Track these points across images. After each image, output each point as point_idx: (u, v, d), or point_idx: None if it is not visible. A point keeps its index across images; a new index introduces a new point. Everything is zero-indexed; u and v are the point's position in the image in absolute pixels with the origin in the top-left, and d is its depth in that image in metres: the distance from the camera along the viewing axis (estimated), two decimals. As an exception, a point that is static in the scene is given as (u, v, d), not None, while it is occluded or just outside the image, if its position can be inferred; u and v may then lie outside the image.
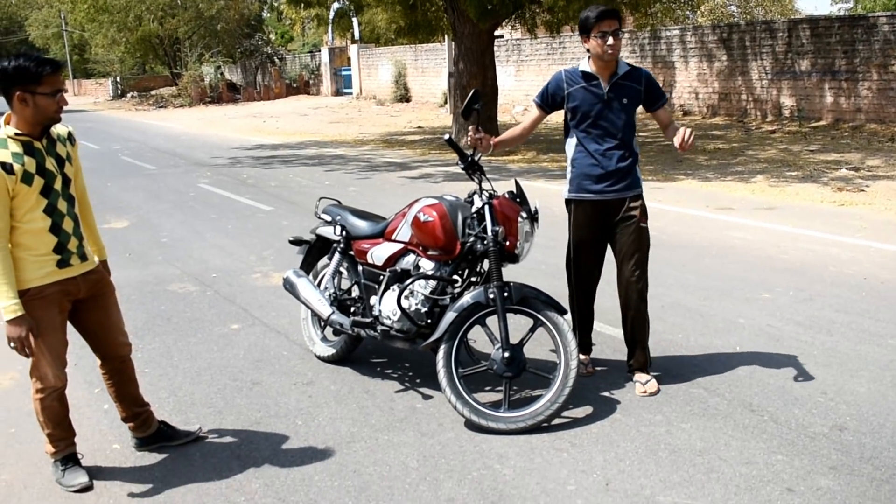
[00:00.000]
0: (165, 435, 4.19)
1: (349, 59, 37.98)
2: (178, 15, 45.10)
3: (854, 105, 17.93)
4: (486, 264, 4.57)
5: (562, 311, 4.37)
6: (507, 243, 4.41)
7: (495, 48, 19.69)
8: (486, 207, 4.40)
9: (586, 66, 4.66)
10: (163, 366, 5.35)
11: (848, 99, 18.05)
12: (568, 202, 4.85)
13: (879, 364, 5.00)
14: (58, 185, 3.61)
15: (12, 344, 3.51)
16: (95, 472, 3.92)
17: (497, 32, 20.18)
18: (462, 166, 4.57)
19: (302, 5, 19.03)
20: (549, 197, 10.50)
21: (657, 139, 17.18)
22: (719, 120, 20.60)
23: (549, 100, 4.78)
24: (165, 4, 45.38)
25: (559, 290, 4.95)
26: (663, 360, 5.12)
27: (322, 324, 5.32)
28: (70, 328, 3.82)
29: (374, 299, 4.83)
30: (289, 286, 5.22)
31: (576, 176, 4.77)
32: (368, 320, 4.78)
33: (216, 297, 6.87)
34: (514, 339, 4.41)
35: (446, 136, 4.55)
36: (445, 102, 27.34)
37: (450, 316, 4.36)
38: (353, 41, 36.11)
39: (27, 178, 3.48)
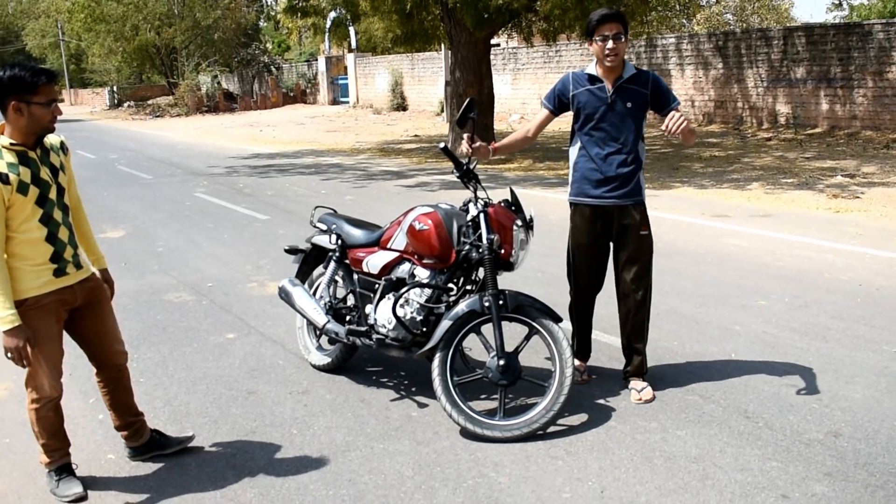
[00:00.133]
0: (158, 443, 4.18)
1: (346, 67, 38.04)
2: (174, 24, 45.16)
3: (849, 112, 17.98)
4: (481, 272, 4.58)
5: (557, 319, 4.38)
6: (502, 251, 4.41)
7: (492, 57, 19.72)
8: (482, 216, 4.41)
9: (593, 69, 4.65)
10: (158, 375, 5.35)
11: (843, 106, 18.10)
12: (570, 205, 4.85)
13: (874, 370, 5.01)
14: (53, 195, 3.62)
15: (9, 354, 3.50)
16: (90, 483, 3.92)
17: (493, 41, 20.19)
18: (457, 175, 4.57)
19: (299, 14, 19.04)
20: (545, 205, 10.52)
21: (653, 147, 17.22)
22: (715, 127, 20.64)
23: (555, 101, 4.77)
24: (162, 14, 45.47)
25: (554, 298, 4.96)
26: (659, 367, 5.13)
27: (317, 333, 5.32)
28: (65, 338, 3.82)
29: (369, 308, 4.83)
30: (284, 295, 5.22)
31: (576, 179, 4.77)
32: (364, 329, 4.79)
33: (212, 307, 6.87)
34: (509, 348, 4.42)
35: (441, 145, 4.56)
36: (442, 111, 27.35)
37: (445, 324, 4.36)
38: (350, 50, 36.18)
39: (23, 189, 3.48)
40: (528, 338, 4.48)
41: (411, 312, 4.56)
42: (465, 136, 4.56)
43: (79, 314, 3.83)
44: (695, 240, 8.73)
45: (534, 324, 4.38)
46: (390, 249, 4.81)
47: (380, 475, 3.94)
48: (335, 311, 5.09)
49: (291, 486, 3.87)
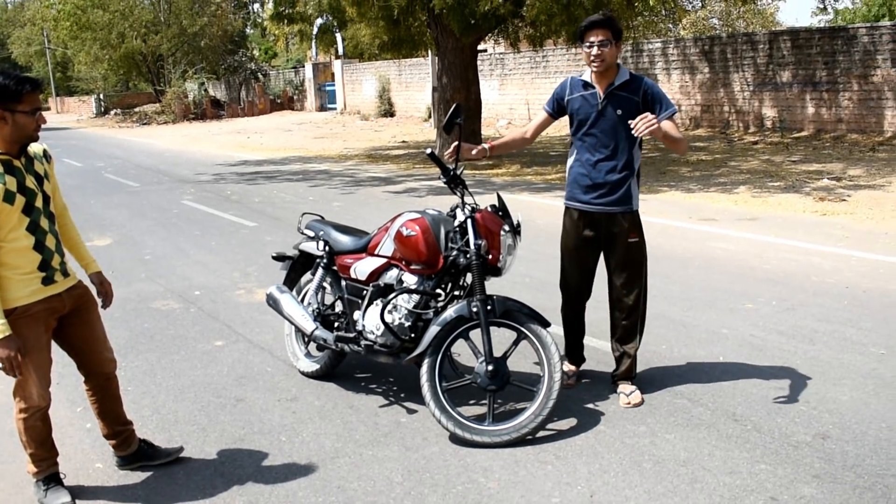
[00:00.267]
0: (146, 454, 4.16)
1: (333, 74, 38.04)
2: (161, 32, 45.08)
3: (835, 115, 18.08)
4: (468, 278, 4.58)
5: (545, 324, 4.38)
6: (490, 257, 4.42)
7: (479, 62, 19.76)
8: (469, 221, 4.41)
9: (588, 74, 4.67)
10: (146, 384, 5.32)
11: (829, 109, 18.19)
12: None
13: (861, 372, 5.03)
14: (39, 203, 3.61)
15: (1, 364, 3.49)
16: (78, 492, 3.90)
17: (480, 47, 20.25)
18: (444, 180, 4.57)
19: (285, 21, 19.07)
20: (533, 210, 10.54)
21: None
22: (702, 131, 20.72)
23: (554, 105, 4.81)
24: (148, 21, 45.40)
25: (543, 302, 4.96)
26: (647, 371, 5.14)
27: (306, 339, 5.31)
28: (52, 347, 3.80)
29: (357, 314, 4.82)
30: (272, 302, 5.21)
31: (569, 183, 4.81)
32: (352, 335, 4.78)
33: (200, 314, 6.85)
34: (497, 353, 4.42)
35: (428, 151, 4.56)
36: (429, 117, 27.38)
37: (433, 330, 4.36)
38: (337, 56, 36.15)
39: (9, 198, 3.47)
40: (516, 343, 4.48)
41: (399, 318, 4.55)
42: (450, 147, 4.57)
43: (67, 322, 3.82)
44: (682, 243, 8.75)
45: (522, 329, 4.38)
46: (378, 255, 4.80)
47: (369, 482, 3.93)
48: (323, 317, 5.08)
49: (280, 493, 3.86)
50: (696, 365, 5.27)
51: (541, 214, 10.09)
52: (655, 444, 4.19)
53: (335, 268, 5.07)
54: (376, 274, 4.77)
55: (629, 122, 4.33)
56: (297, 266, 5.47)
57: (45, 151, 3.77)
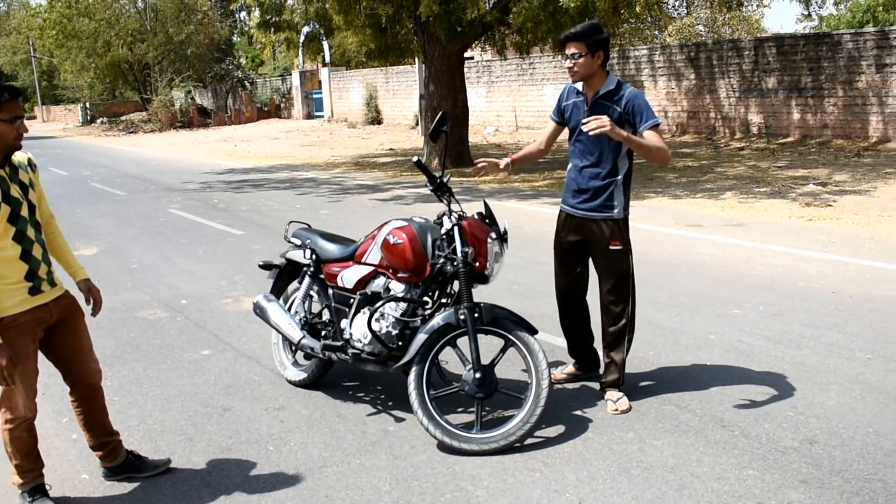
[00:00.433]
0: (134, 466, 4.13)
1: (320, 82, 38.04)
2: (147, 40, 44.95)
3: (820, 121, 18.18)
4: (456, 286, 4.58)
5: (532, 331, 4.38)
6: (477, 264, 4.42)
7: (466, 70, 19.79)
8: (456, 229, 4.41)
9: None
10: (132, 393, 5.30)
11: (814, 115, 18.30)
12: None
13: (848, 377, 5.05)
14: (24, 212, 3.59)
15: None
16: (64, 503, 3.87)
17: (467, 54, 20.24)
18: (431, 188, 4.58)
19: (272, 29, 19.02)
20: (520, 216, 10.55)
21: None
22: (688, 138, 20.80)
23: (558, 112, 4.91)
24: (135, 30, 45.25)
25: (530, 310, 4.97)
26: (634, 377, 5.14)
27: (293, 348, 5.30)
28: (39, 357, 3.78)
29: (344, 322, 4.81)
30: (259, 311, 5.19)
31: (564, 187, 4.92)
32: (339, 344, 4.77)
33: (186, 323, 6.82)
34: (485, 360, 4.42)
35: (415, 159, 4.57)
36: (417, 124, 27.39)
37: (420, 338, 4.35)
38: (324, 64, 36.14)
39: (-7, 207, 3.45)
40: (504, 350, 4.48)
41: (387, 326, 4.54)
42: (479, 164, 4.68)
43: (54, 332, 3.79)
44: (669, 249, 8.78)
45: (510, 336, 4.38)
46: (365, 264, 4.80)
47: (357, 490, 3.92)
48: (310, 326, 5.07)
49: (268, 502, 3.84)
50: (683, 371, 5.28)
51: (528, 221, 10.11)
52: (643, 450, 4.19)
53: (322, 276, 5.06)
54: (363, 282, 4.77)
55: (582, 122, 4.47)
56: (284, 275, 5.46)
57: (29, 160, 3.75)
